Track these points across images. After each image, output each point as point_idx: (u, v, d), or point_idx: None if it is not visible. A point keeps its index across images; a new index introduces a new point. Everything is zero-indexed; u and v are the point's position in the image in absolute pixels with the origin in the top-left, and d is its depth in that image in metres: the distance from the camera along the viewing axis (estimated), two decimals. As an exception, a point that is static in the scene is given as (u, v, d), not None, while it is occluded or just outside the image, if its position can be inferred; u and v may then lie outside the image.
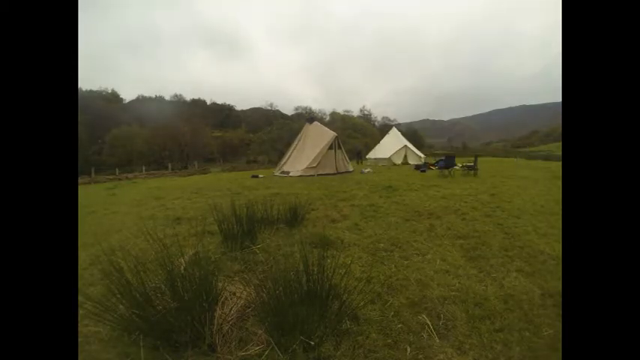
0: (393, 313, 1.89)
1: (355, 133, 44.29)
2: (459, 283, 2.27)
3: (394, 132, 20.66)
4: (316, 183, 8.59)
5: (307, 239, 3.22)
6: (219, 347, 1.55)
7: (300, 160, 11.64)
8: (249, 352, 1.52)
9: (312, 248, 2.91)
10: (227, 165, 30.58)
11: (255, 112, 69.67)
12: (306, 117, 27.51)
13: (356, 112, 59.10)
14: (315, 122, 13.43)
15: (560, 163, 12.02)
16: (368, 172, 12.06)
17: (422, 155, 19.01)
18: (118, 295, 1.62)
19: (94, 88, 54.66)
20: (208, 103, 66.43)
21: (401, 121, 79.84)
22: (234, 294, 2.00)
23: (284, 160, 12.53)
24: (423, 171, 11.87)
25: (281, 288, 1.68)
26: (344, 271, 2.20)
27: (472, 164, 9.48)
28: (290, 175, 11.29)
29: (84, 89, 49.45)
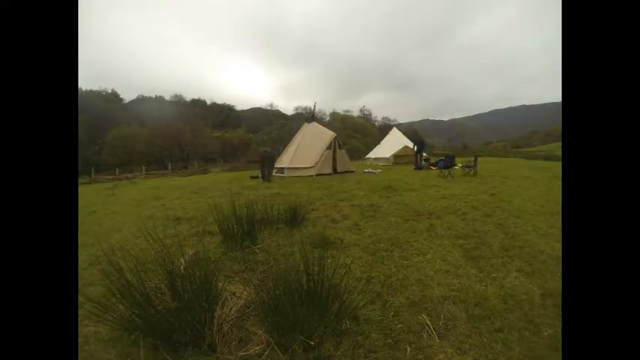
0: (393, 313, 1.89)
1: (355, 133, 44.30)
2: (459, 282, 2.27)
3: (395, 132, 20.66)
4: (316, 183, 8.59)
5: (307, 239, 3.22)
6: (219, 347, 1.55)
7: (298, 160, 11.62)
8: (249, 352, 1.52)
9: (312, 248, 2.91)
10: (227, 165, 30.57)
11: (255, 112, 69.74)
12: (305, 117, 27.53)
13: (356, 112, 59.24)
14: (314, 122, 13.41)
15: (560, 163, 12.02)
16: (369, 172, 12.05)
17: (423, 154, 18.99)
18: (118, 295, 1.62)
19: (94, 88, 54.73)
20: (208, 103, 66.48)
21: (401, 120, 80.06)
22: (234, 294, 2.00)
23: (281, 159, 12.51)
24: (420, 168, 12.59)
25: (281, 288, 1.68)
26: (344, 271, 2.20)
27: (472, 164, 9.48)
28: (288, 175, 11.28)
29: (84, 89, 49.46)
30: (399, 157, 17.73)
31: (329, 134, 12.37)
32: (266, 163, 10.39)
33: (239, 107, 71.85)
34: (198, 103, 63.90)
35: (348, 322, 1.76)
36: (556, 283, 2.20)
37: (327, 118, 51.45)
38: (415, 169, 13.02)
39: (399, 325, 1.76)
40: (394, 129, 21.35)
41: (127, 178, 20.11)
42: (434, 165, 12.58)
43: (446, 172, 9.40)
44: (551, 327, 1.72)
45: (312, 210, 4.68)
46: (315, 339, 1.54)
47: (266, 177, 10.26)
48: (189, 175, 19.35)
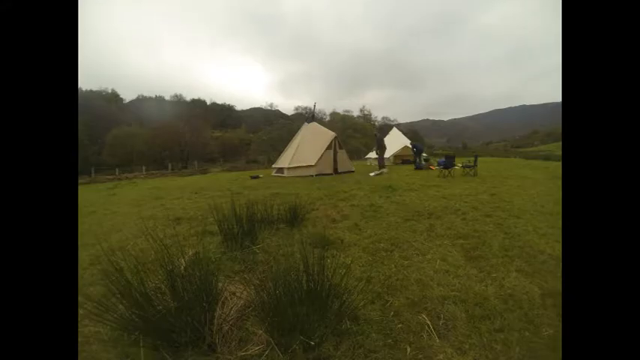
0: (393, 313, 1.89)
1: (355, 133, 44.32)
2: (459, 282, 2.27)
3: (395, 132, 20.67)
4: (316, 183, 8.59)
5: (307, 239, 3.22)
6: (219, 347, 1.55)
7: (298, 159, 11.63)
8: (249, 352, 1.52)
9: (312, 248, 2.91)
10: (227, 165, 30.57)
11: (255, 112, 69.91)
12: (306, 117, 27.57)
13: (356, 112, 59.30)
14: (314, 122, 13.41)
15: (559, 163, 12.02)
16: (376, 174, 11.94)
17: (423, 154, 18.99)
18: (118, 295, 1.62)
19: (94, 88, 54.83)
20: (208, 103, 66.52)
21: (401, 120, 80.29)
22: (234, 294, 2.00)
23: (281, 159, 12.50)
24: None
25: (281, 288, 1.68)
26: (344, 271, 2.20)
27: (472, 164, 9.48)
28: (287, 175, 11.28)
29: (84, 89, 49.50)
30: (398, 157, 17.79)
31: (329, 134, 12.37)
32: (381, 150, 10.44)
33: (239, 107, 72.20)
34: (198, 103, 63.95)
35: (348, 322, 1.76)
36: (556, 283, 2.20)
37: (327, 118, 51.52)
38: (415, 169, 13.02)
39: (399, 325, 1.76)
40: (394, 129, 21.36)
41: (127, 178, 20.10)
42: (433, 166, 12.63)
43: (446, 172, 9.40)
44: (551, 327, 1.72)
45: (312, 210, 4.68)
46: (315, 339, 1.54)
47: (380, 163, 10.36)
48: (189, 175, 19.35)
